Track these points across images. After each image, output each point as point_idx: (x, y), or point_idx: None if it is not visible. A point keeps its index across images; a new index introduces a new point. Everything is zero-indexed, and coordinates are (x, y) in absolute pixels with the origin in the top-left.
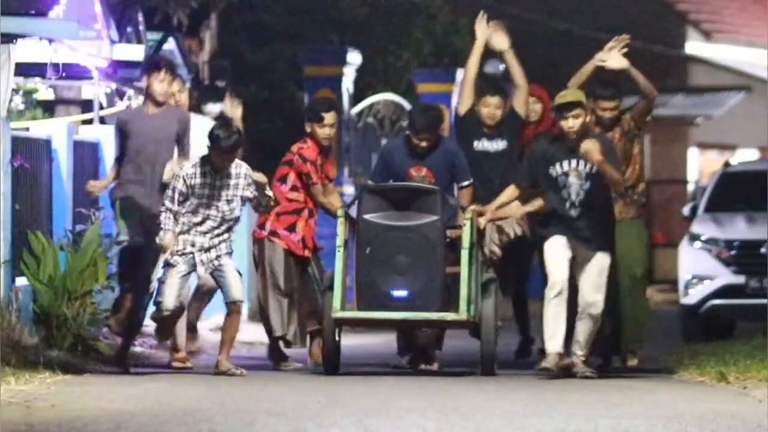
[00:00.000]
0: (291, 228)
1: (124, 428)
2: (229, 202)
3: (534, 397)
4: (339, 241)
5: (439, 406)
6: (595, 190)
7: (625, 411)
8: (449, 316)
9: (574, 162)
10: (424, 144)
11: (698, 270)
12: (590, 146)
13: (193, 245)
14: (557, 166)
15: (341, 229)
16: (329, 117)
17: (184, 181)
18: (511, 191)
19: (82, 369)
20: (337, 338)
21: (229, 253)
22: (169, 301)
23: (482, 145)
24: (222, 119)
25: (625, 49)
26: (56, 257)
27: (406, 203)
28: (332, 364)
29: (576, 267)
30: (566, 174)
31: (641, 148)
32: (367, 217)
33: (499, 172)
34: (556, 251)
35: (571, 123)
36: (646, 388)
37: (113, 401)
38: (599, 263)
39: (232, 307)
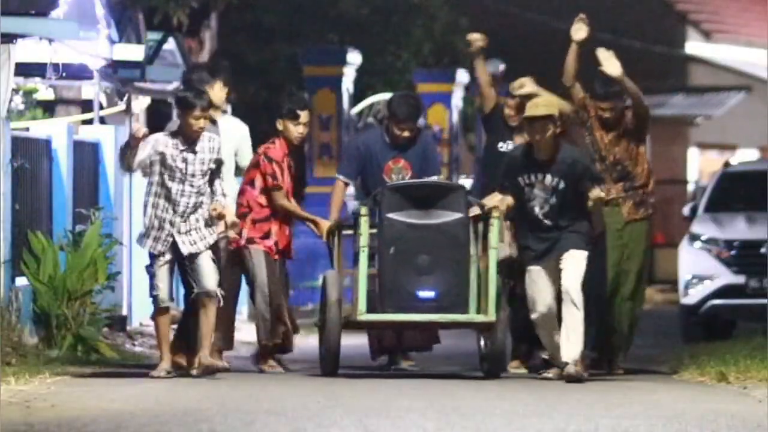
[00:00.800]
0: (266, 235)
1: (124, 428)
2: (203, 174)
3: (534, 397)
4: (363, 241)
5: (439, 406)
6: (562, 206)
7: (625, 411)
8: (478, 317)
9: (540, 174)
10: (406, 134)
11: (698, 270)
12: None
13: (172, 225)
14: (524, 176)
15: (364, 228)
16: (305, 116)
17: (153, 147)
18: (498, 197)
19: (82, 369)
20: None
21: (208, 242)
22: (164, 292)
23: (507, 146)
24: (187, 83)
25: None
26: (56, 257)
27: (429, 201)
28: (332, 367)
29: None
30: (531, 185)
31: (645, 149)
32: (390, 216)
33: None
34: (539, 286)
35: (539, 137)
36: (646, 388)
37: (113, 401)
38: (574, 256)
39: (205, 300)
